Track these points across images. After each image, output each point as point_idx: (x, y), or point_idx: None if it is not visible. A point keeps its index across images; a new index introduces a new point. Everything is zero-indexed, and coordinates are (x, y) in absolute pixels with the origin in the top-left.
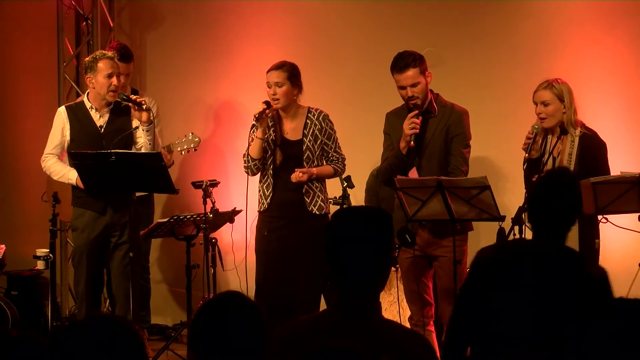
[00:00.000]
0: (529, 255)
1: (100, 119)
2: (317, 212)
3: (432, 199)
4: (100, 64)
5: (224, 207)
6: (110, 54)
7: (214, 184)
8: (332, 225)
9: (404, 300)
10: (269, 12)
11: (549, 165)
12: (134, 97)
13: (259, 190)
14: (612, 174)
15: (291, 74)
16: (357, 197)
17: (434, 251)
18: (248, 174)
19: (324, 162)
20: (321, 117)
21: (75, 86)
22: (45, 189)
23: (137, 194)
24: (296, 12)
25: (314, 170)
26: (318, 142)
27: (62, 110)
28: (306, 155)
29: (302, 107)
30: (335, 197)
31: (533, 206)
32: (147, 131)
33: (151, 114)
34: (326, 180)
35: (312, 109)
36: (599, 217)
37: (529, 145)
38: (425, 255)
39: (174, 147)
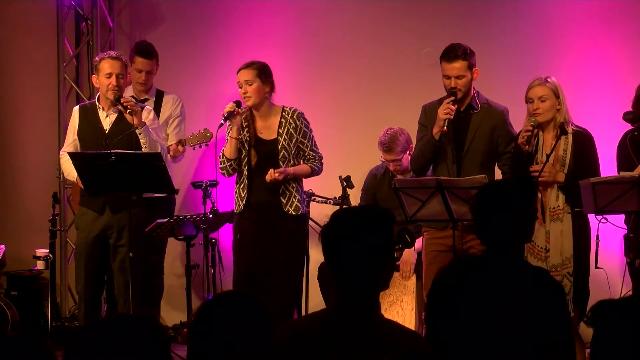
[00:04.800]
0: (480, 274)
1: (106, 119)
2: (294, 213)
3: (431, 199)
4: (102, 64)
5: (223, 207)
6: (114, 54)
7: (214, 184)
8: (330, 226)
9: (404, 301)
10: (269, 12)
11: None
12: (124, 100)
13: (235, 192)
14: (610, 174)
15: (261, 71)
16: (357, 197)
17: (464, 245)
18: (224, 175)
19: (301, 161)
20: (295, 115)
21: (75, 86)
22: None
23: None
24: (297, 11)
25: (290, 169)
26: (293, 141)
27: (75, 110)
28: (282, 154)
29: (276, 106)
30: (335, 197)
31: (476, 220)
32: (140, 134)
33: (140, 118)
34: (307, 179)
35: (287, 107)
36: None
37: (528, 137)
38: (451, 250)
39: (187, 142)
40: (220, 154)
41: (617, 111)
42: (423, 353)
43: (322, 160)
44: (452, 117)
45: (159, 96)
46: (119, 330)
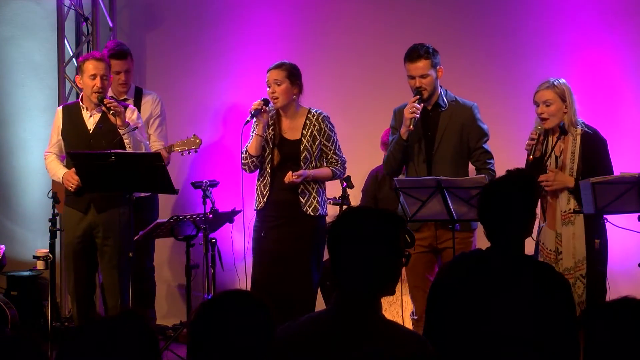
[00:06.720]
0: (482, 269)
1: (90, 119)
2: (312, 213)
3: (431, 199)
4: (86, 65)
5: (223, 207)
6: (98, 55)
7: (214, 184)
8: (334, 224)
9: (404, 301)
10: (269, 11)
11: (552, 165)
12: (106, 101)
13: (257, 189)
14: (613, 171)
15: (290, 73)
16: (357, 198)
17: (440, 244)
18: (245, 171)
19: (324, 163)
20: (320, 118)
21: (75, 86)
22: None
23: (138, 196)
24: (296, 10)
25: (309, 172)
26: (316, 143)
27: (59, 110)
28: (304, 155)
29: (303, 107)
30: (335, 197)
31: (482, 216)
32: (124, 134)
33: (124, 118)
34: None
35: (313, 109)
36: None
37: (532, 146)
38: (431, 250)
39: (174, 148)
40: (244, 149)
41: (618, 110)
42: (424, 354)
43: (345, 165)
44: (417, 116)
45: (138, 95)
46: (107, 331)
